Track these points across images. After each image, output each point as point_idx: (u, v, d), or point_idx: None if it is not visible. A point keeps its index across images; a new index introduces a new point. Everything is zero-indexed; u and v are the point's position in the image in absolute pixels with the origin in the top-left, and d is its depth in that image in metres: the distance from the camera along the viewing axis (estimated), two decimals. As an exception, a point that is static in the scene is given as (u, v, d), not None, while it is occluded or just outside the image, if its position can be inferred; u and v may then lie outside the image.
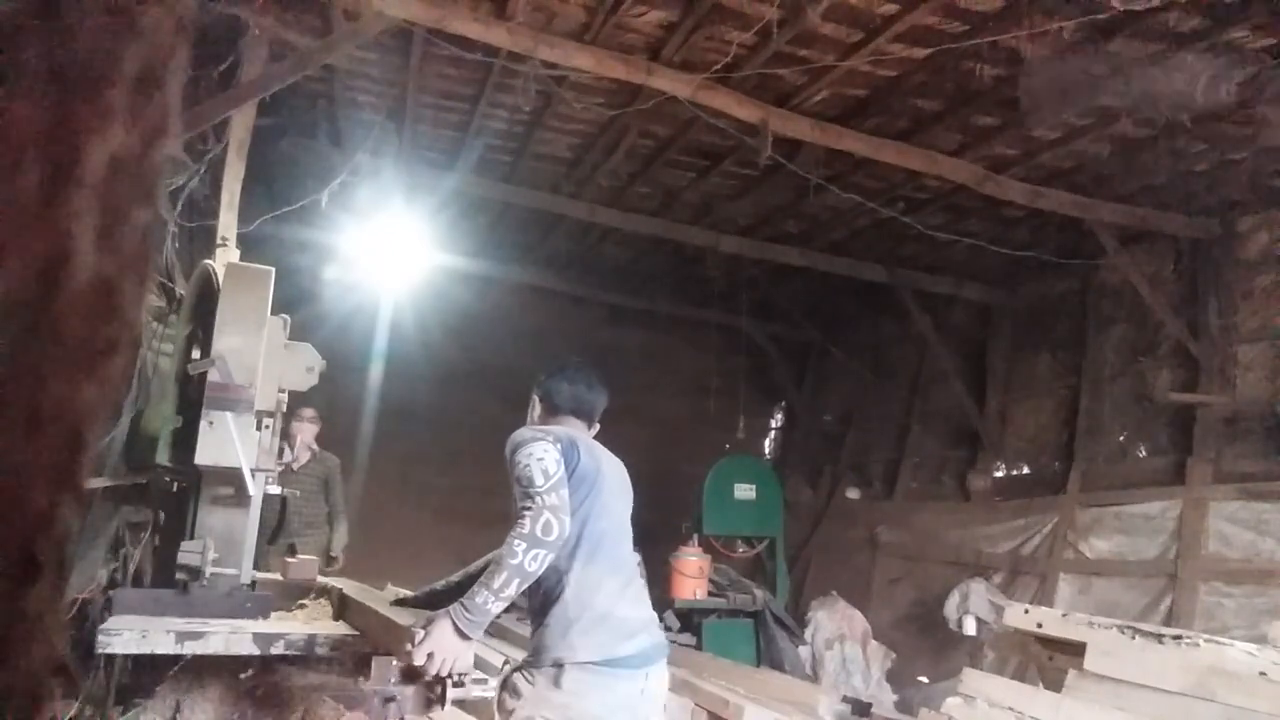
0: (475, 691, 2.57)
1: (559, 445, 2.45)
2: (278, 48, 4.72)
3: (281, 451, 5.48)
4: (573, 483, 2.44)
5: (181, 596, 2.98)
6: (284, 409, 3.31)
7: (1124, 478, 6.78)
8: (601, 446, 2.71)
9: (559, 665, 2.33)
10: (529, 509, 2.32)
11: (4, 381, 0.41)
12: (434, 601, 2.86)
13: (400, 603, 3.20)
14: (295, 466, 5.74)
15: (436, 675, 2.36)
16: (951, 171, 5.69)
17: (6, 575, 0.42)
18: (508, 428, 2.84)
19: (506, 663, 2.56)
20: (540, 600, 2.44)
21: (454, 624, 2.29)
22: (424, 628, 2.35)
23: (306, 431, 5.80)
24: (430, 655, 2.30)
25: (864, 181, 6.29)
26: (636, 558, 2.69)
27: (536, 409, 2.77)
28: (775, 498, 8.44)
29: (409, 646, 2.36)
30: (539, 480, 2.35)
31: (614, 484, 2.63)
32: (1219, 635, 3.95)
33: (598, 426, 2.83)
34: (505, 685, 2.42)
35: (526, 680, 2.37)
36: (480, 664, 2.65)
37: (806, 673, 6.93)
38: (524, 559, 2.25)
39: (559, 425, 2.66)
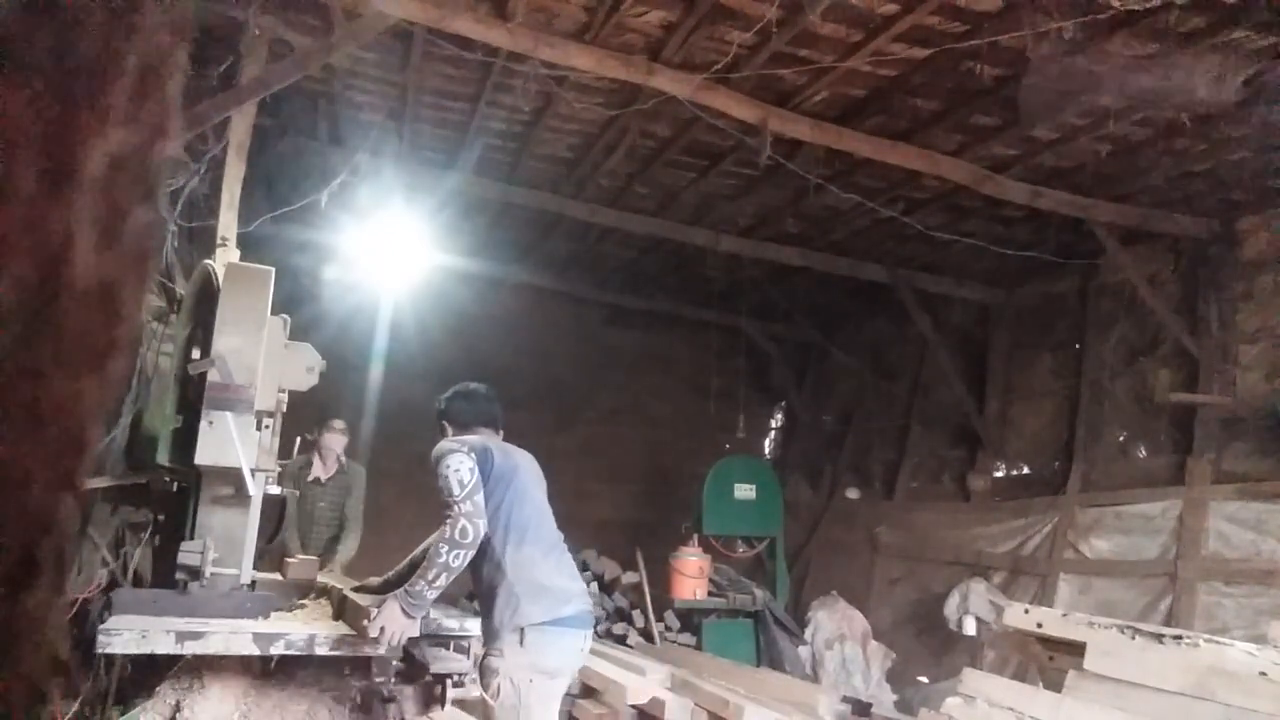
0: (474, 691, 2.87)
1: (474, 455, 2.90)
2: (278, 48, 4.72)
3: (310, 464, 5.52)
4: (491, 482, 2.90)
5: (181, 596, 2.98)
6: (284, 409, 3.31)
7: (1124, 478, 6.78)
8: (513, 446, 3.16)
9: (519, 630, 2.80)
10: (449, 516, 2.80)
11: (4, 381, 0.41)
12: (387, 588, 3.22)
13: (360, 589, 3.44)
14: (324, 479, 5.57)
15: (390, 645, 2.86)
16: (951, 171, 5.69)
17: (6, 575, 0.42)
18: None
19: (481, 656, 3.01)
20: (487, 588, 2.90)
21: (400, 606, 2.78)
22: (377, 608, 2.82)
23: (338, 443, 5.61)
24: (381, 629, 2.76)
25: (864, 181, 6.29)
26: (560, 536, 3.12)
27: (448, 431, 3.17)
28: (775, 498, 8.44)
29: (365, 622, 2.81)
30: (456, 491, 2.82)
31: (530, 477, 3.09)
32: (1219, 635, 3.96)
33: (502, 431, 3.26)
34: (483, 670, 2.88)
35: (497, 655, 2.83)
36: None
37: (806, 673, 6.94)
38: (448, 558, 2.77)
39: (473, 435, 3.10)
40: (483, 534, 2.80)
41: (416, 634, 2.92)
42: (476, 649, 3.12)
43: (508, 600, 2.83)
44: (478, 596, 3.02)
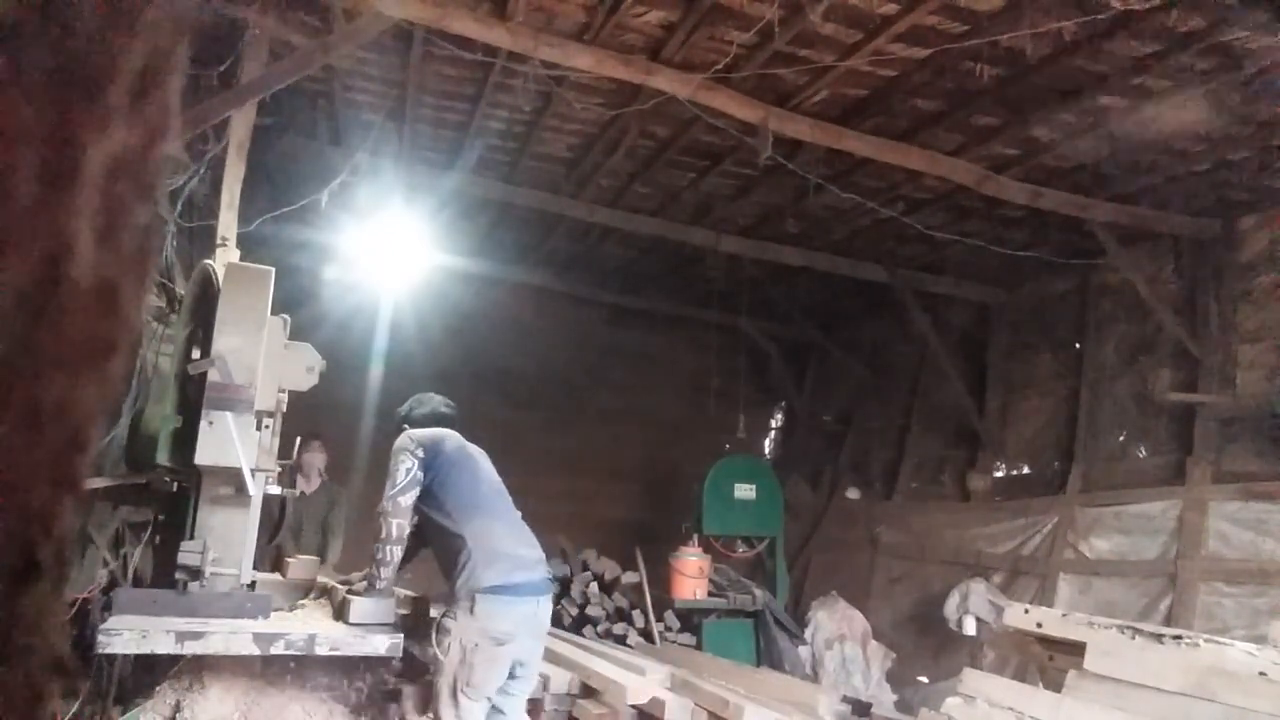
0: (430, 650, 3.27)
1: (422, 449, 3.26)
2: (278, 48, 4.72)
3: (295, 482, 5.70)
4: (445, 465, 3.25)
5: (181, 596, 2.98)
6: (284, 409, 3.31)
7: (1124, 478, 6.77)
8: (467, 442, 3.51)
9: (472, 595, 3.07)
10: (379, 514, 3.19)
11: (4, 381, 0.41)
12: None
13: (344, 582, 3.78)
14: (308, 493, 5.85)
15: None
16: (951, 171, 5.69)
17: (6, 575, 0.42)
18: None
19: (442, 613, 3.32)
20: (450, 556, 3.18)
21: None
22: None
23: (318, 460, 5.96)
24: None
25: (864, 181, 6.29)
26: (519, 514, 3.41)
27: (407, 429, 3.48)
28: (775, 498, 8.44)
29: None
30: (387, 488, 3.19)
31: (484, 462, 3.45)
32: (1219, 635, 3.96)
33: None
34: (438, 629, 3.14)
35: (451, 619, 3.10)
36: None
37: (806, 673, 6.93)
38: (381, 555, 3.19)
39: (430, 431, 3.44)
40: (406, 531, 3.18)
41: (392, 620, 3.20)
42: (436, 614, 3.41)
43: (468, 566, 3.10)
44: (441, 566, 3.29)
